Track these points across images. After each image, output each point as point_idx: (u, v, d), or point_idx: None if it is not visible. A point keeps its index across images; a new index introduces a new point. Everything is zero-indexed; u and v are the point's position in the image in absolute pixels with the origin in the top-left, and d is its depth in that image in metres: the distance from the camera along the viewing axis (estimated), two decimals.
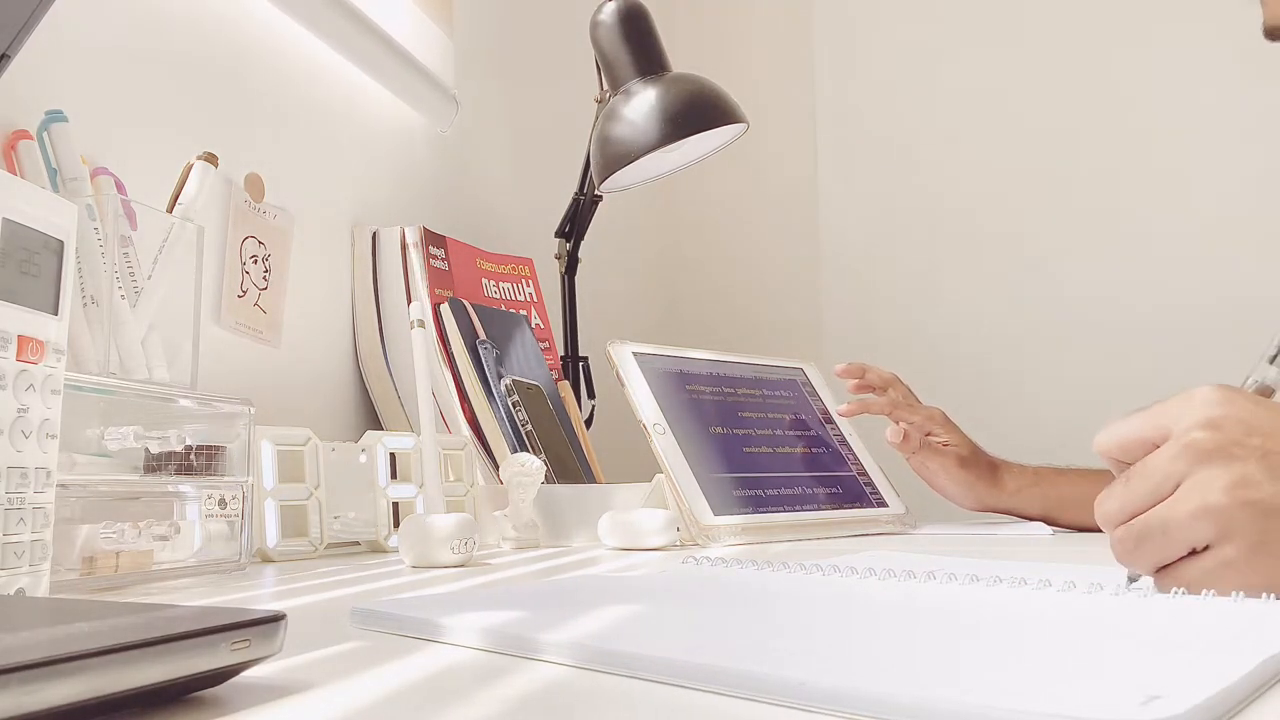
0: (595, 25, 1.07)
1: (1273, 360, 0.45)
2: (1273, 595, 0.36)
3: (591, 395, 1.20)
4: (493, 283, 1.14)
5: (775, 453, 0.96)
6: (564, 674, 0.30)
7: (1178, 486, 0.38)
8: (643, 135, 1.01)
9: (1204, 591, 0.37)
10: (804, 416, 1.03)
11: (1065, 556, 0.69)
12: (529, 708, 0.26)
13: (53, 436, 0.43)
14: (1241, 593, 0.36)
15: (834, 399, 1.08)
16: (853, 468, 1.01)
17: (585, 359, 1.21)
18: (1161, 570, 0.39)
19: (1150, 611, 0.36)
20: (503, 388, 1.00)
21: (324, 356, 0.98)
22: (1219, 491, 0.37)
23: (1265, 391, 0.45)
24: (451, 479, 0.88)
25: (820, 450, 1.01)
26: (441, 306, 1.00)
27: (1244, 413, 0.39)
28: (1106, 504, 0.41)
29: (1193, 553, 0.38)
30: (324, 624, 0.42)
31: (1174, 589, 0.38)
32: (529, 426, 0.99)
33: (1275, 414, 0.39)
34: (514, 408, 0.99)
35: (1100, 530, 0.42)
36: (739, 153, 1.17)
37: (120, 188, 0.69)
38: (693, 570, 0.55)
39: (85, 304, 0.62)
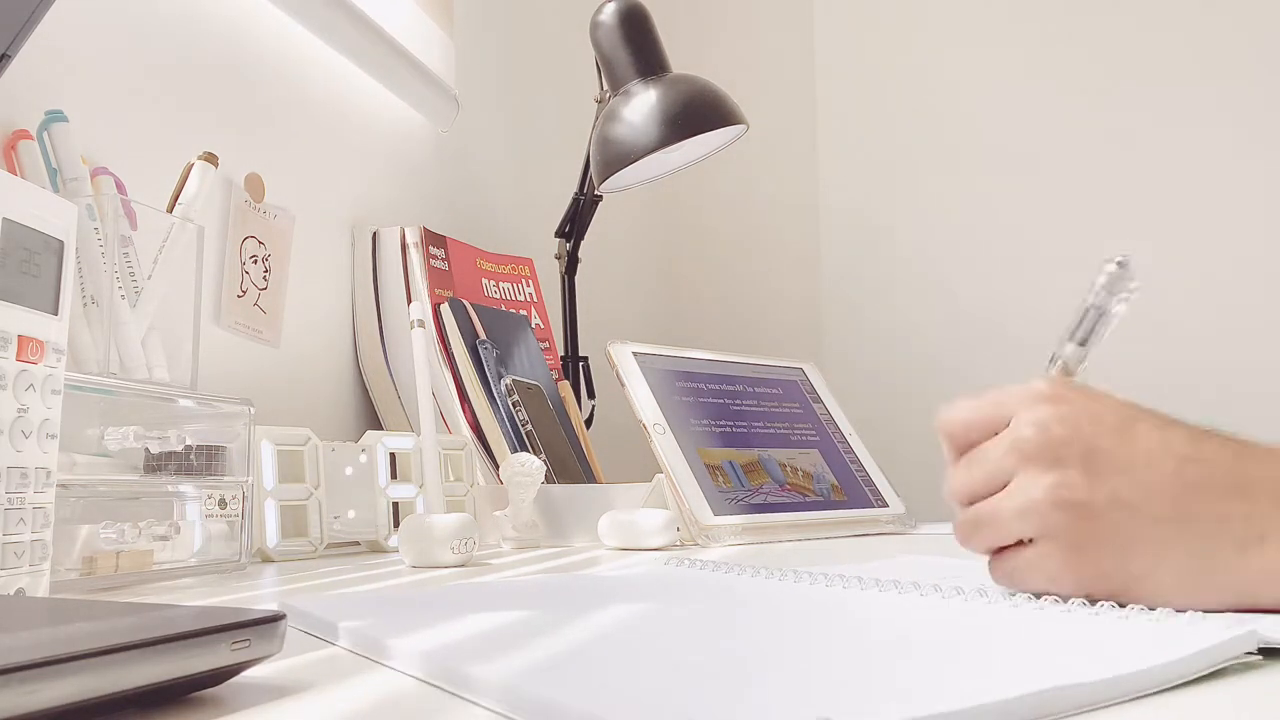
0: (595, 26, 1.07)
1: (1072, 338, 0.45)
2: (1082, 598, 0.37)
3: (591, 395, 1.20)
4: (493, 283, 1.14)
5: (775, 452, 0.96)
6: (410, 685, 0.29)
7: (1008, 481, 0.40)
8: (642, 137, 1.01)
9: (1018, 587, 0.39)
10: (804, 416, 1.03)
11: None
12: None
13: (53, 436, 0.43)
14: (1053, 592, 0.38)
15: (834, 399, 1.08)
16: (853, 467, 1.01)
17: (585, 359, 1.21)
18: (994, 555, 0.41)
19: (1019, 623, 0.35)
20: (503, 388, 1.00)
21: (324, 356, 0.98)
22: (1041, 490, 0.38)
23: (1066, 371, 0.45)
24: (451, 479, 0.88)
25: (820, 450, 1.01)
26: (441, 306, 1.00)
27: (1072, 411, 0.39)
28: (952, 484, 0.43)
29: (1020, 543, 0.40)
30: (324, 624, 0.42)
31: (1001, 573, 0.40)
32: (529, 426, 0.99)
33: (1102, 410, 0.39)
34: (514, 408, 0.99)
35: None
36: (739, 153, 1.17)
37: (120, 188, 0.69)
38: (661, 572, 0.55)
39: (85, 304, 0.62)
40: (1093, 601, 0.37)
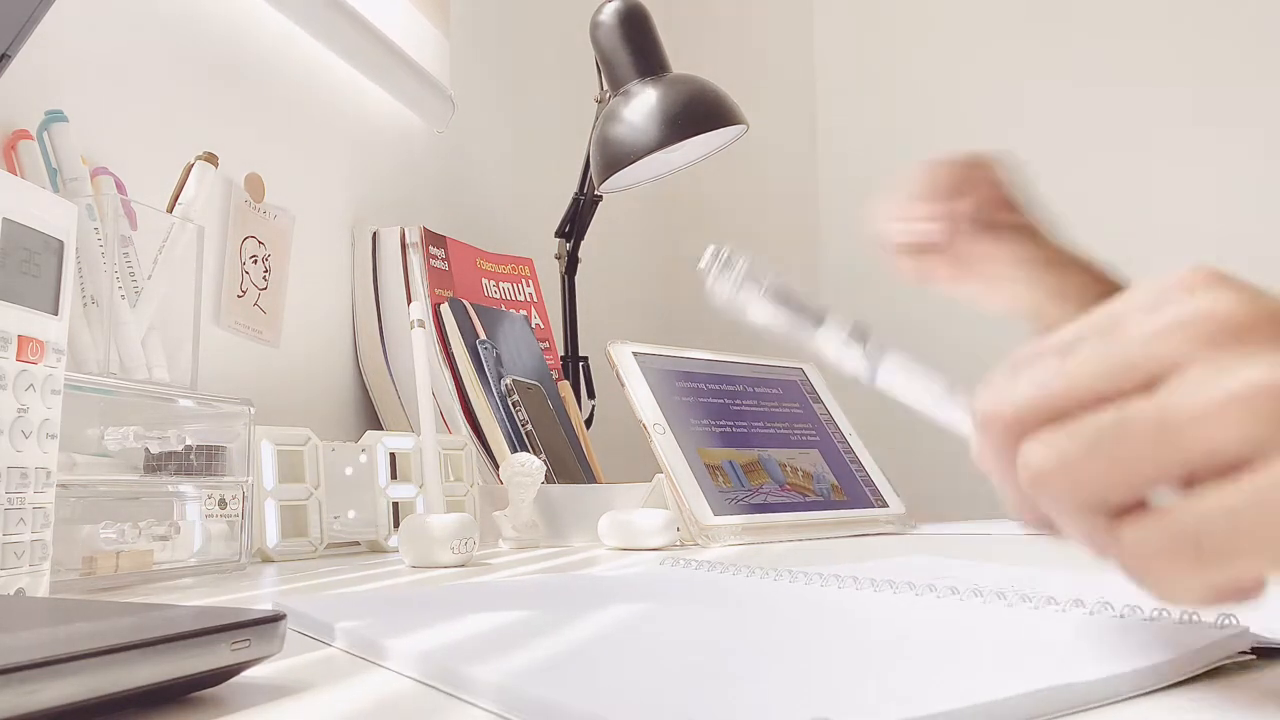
0: (595, 25, 1.07)
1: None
2: None
3: (591, 395, 1.20)
4: (493, 283, 1.14)
5: (775, 452, 0.96)
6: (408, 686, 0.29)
7: (1162, 376, 0.22)
8: (642, 137, 1.01)
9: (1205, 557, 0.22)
10: (804, 416, 1.03)
11: (1060, 558, 0.69)
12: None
13: (53, 436, 0.43)
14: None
15: (834, 399, 1.08)
16: (853, 468, 1.01)
17: (585, 359, 1.21)
18: (1126, 517, 0.23)
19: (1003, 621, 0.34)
20: (503, 388, 1.00)
21: (324, 356, 0.98)
22: (1261, 375, 0.21)
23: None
24: (451, 479, 0.88)
25: (820, 450, 1.01)
26: (441, 306, 1.00)
27: (1254, 294, 0.24)
28: (1011, 392, 0.25)
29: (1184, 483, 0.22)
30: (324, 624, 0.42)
31: (1170, 552, 0.22)
32: (529, 426, 0.99)
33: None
34: (514, 408, 0.99)
35: None
36: (739, 153, 1.17)
37: (120, 188, 0.69)
38: (661, 572, 0.55)
39: (85, 304, 0.62)
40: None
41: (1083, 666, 0.26)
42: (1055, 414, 0.23)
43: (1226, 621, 0.29)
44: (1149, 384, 0.22)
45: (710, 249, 0.31)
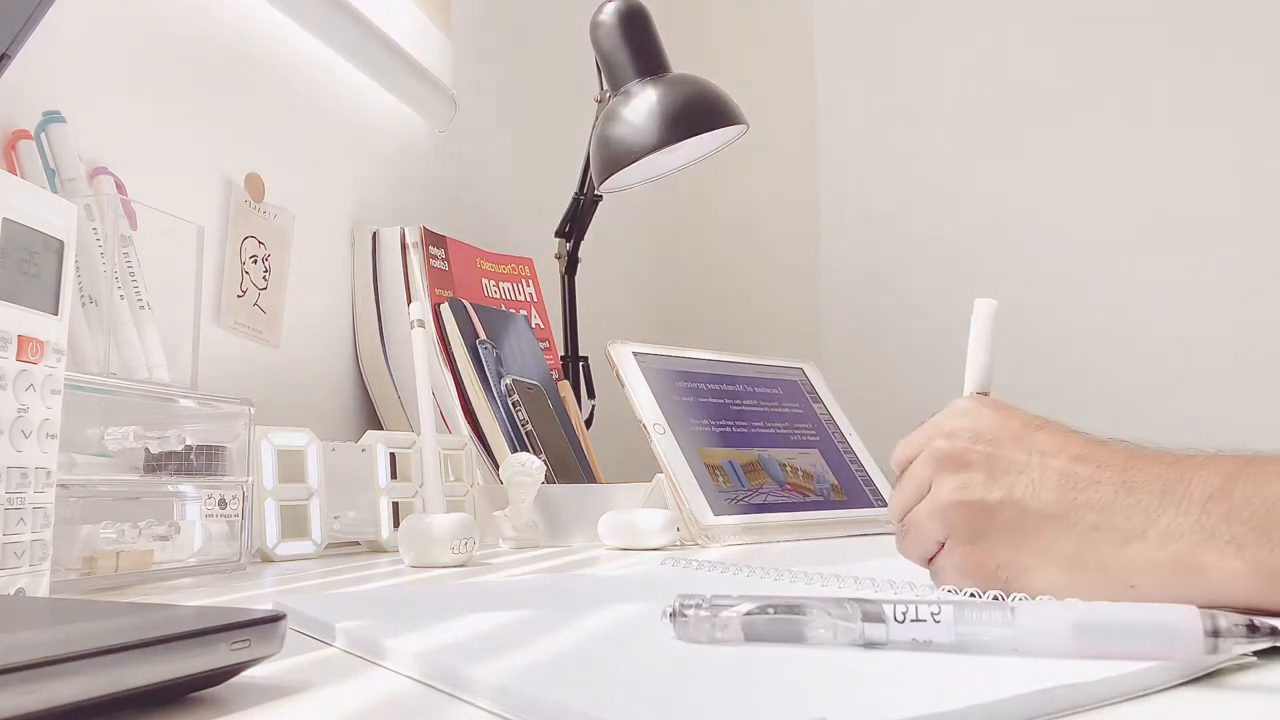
0: (595, 25, 1.07)
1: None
2: (974, 589, 0.41)
3: (591, 395, 1.20)
4: (493, 283, 1.14)
5: (775, 452, 0.96)
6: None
7: (929, 490, 0.44)
8: (642, 137, 1.01)
9: (941, 584, 0.43)
10: (804, 416, 1.03)
11: None
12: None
13: (53, 436, 0.43)
14: (964, 585, 0.42)
15: (834, 399, 1.08)
16: (853, 468, 1.02)
17: (585, 359, 1.21)
18: (928, 562, 0.45)
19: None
20: (503, 388, 1.00)
21: (324, 356, 0.98)
22: (946, 492, 0.43)
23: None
24: (451, 479, 0.88)
25: (820, 450, 1.01)
26: (441, 306, 1.00)
27: (980, 422, 0.44)
28: (891, 504, 0.48)
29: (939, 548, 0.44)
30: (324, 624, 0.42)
31: (935, 578, 0.45)
32: (529, 426, 0.99)
33: (1009, 420, 0.43)
34: (514, 408, 0.99)
35: None
36: (739, 153, 1.17)
37: (120, 188, 0.69)
38: (661, 572, 0.55)
39: (85, 304, 0.62)
40: (990, 592, 0.40)
41: (1084, 667, 0.26)
42: (902, 515, 0.46)
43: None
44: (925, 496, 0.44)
45: (662, 612, 0.32)
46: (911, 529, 0.45)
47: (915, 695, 0.24)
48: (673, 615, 0.32)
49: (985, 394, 0.49)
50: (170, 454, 0.59)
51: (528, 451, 0.93)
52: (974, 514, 0.42)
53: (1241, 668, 0.28)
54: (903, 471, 0.47)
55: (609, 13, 1.06)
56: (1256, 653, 0.28)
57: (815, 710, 0.22)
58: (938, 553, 0.44)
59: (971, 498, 0.42)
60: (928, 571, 0.45)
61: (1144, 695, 0.25)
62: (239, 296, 0.86)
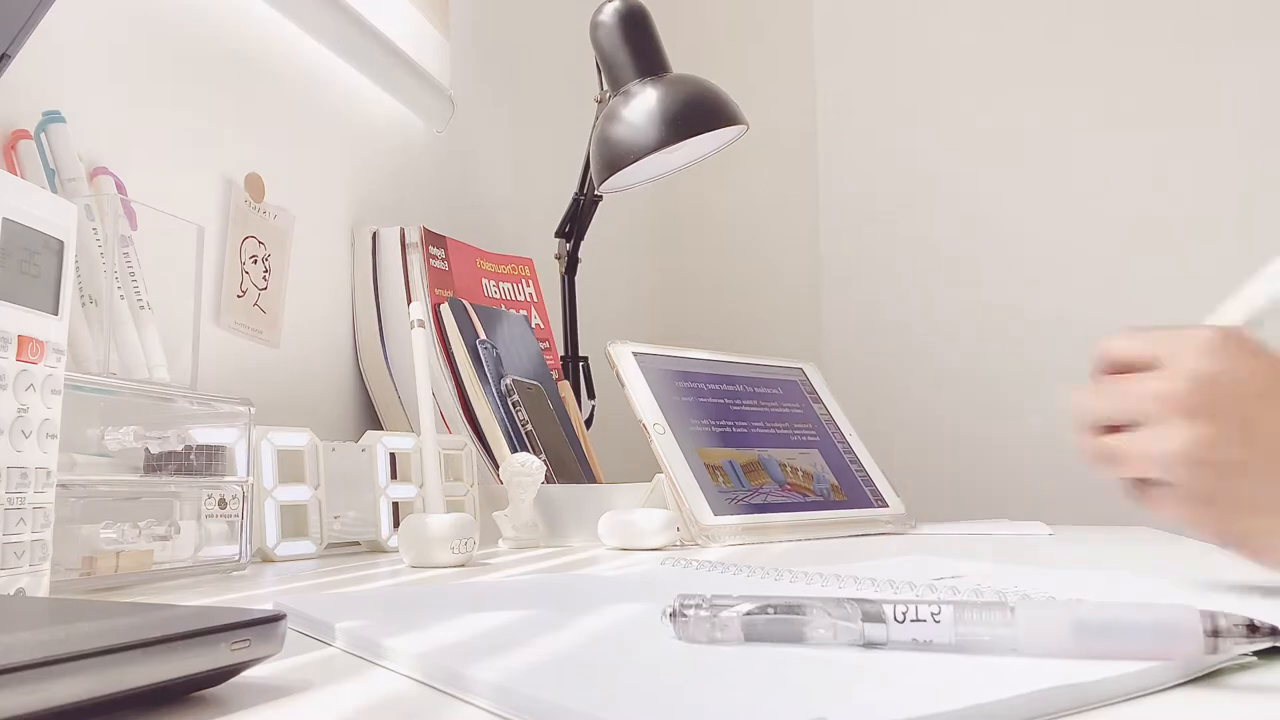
0: (595, 26, 1.07)
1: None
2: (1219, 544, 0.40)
3: (591, 395, 1.20)
4: (493, 283, 1.14)
5: (775, 452, 0.96)
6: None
7: (1144, 421, 0.41)
8: (642, 137, 1.01)
9: (1152, 511, 0.41)
10: (804, 416, 1.03)
11: (1060, 559, 0.70)
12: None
13: (53, 436, 0.43)
14: (1193, 535, 0.41)
15: (834, 399, 1.08)
16: (853, 468, 1.01)
17: (585, 359, 1.21)
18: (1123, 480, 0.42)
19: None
20: (503, 388, 1.00)
21: (324, 356, 0.98)
22: (1179, 443, 0.39)
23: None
24: (451, 479, 0.88)
25: (820, 450, 1.01)
26: (441, 306, 1.00)
27: (1227, 370, 0.39)
28: (1080, 403, 0.43)
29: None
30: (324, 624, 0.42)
31: (1135, 499, 0.42)
32: (529, 426, 0.99)
33: (1257, 372, 0.40)
34: (514, 408, 0.99)
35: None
36: (740, 152, 1.17)
37: (120, 188, 0.69)
38: (661, 572, 0.55)
39: (85, 304, 0.62)
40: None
41: (1084, 666, 0.26)
42: (1092, 422, 0.43)
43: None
44: (1132, 423, 0.41)
45: (662, 612, 0.32)
46: (1120, 458, 0.41)
47: (915, 695, 0.24)
48: (672, 615, 0.31)
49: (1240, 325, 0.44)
50: (170, 454, 0.59)
51: (528, 451, 0.93)
52: (1207, 475, 0.39)
53: (1242, 668, 0.28)
54: (1106, 372, 0.43)
55: (609, 13, 1.06)
56: (1256, 653, 0.28)
57: (815, 710, 0.22)
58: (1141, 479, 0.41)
59: (1209, 458, 0.39)
60: (1134, 492, 0.42)
61: (1144, 695, 0.25)
62: (239, 296, 0.86)
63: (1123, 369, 0.43)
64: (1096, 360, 0.44)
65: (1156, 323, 0.44)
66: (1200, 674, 0.27)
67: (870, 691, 0.25)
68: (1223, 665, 0.27)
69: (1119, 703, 0.25)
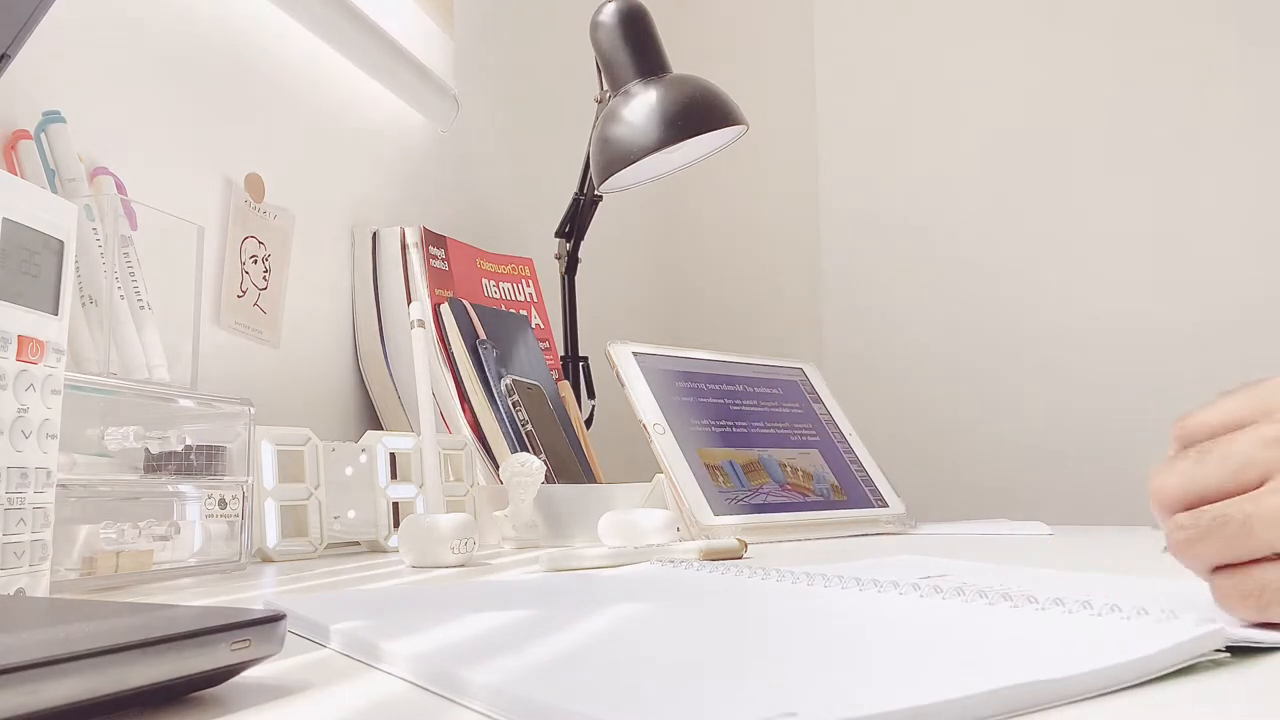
0: (595, 26, 1.07)
1: None
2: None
3: (591, 395, 1.20)
4: (493, 283, 1.14)
5: (775, 452, 0.96)
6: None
7: (1266, 478, 0.31)
8: (642, 137, 1.01)
9: (1267, 614, 0.30)
10: (804, 416, 1.03)
11: (1058, 559, 0.70)
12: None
13: (53, 436, 0.43)
14: None
15: (834, 399, 1.08)
16: (853, 468, 1.01)
17: (585, 359, 1.21)
18: (1224, 570, 0.32)
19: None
20: (503, 388, 1.00)
21: (324, 356, 0.98)
22: None
23: None
24: (451, 479, 0.88)
25: (820, 450, 1.01)
26: (441, 306, 1.00)
27: None
28: (1166, 481, 0.33)
29: (1271, 557, 0.31)
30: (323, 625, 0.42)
31: (1239, 595, 0.31)
32: (529, 426, 0.99)
33: None
34: (514, 408, 0.99)
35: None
36: (740, 152, 1.17)
37: (120, 188, 0.69)
38: (660, 572, 0.55)
39: (85, 304, 0.62)
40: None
41: (1055, 663, 0.26)
42: (1190, 502, 0.32)
43: (1202, 621, 0.29)
44: (1254, 485, 0.31)
45: None
46: (1232, 526, 0.31)
47: (897, 690, 0.24)
48: None
49: None
50: (170, 454, 0.59)
51: (528, 451, 0.93)
52: None
53: (1216, 664, 0.28)
54: (1197, 444, 0.33)
55: (609, 13, 1.06)
56: (1230, 650, 0.28)
57: (785, 706, 0.22)
58: (1246, 564, 0.31)
59: None
60: (1207, 586, 0.32)
61: (1117, 692, 0.25)
62: (239, 296, 0.86)
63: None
64: (1179, 438, 0.34)
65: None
66: (1170, 670, 0.27)
67: (859, 688, 0.25)
68: (1192, 662, 0.27)
69: (1091, 698, 0.25)
